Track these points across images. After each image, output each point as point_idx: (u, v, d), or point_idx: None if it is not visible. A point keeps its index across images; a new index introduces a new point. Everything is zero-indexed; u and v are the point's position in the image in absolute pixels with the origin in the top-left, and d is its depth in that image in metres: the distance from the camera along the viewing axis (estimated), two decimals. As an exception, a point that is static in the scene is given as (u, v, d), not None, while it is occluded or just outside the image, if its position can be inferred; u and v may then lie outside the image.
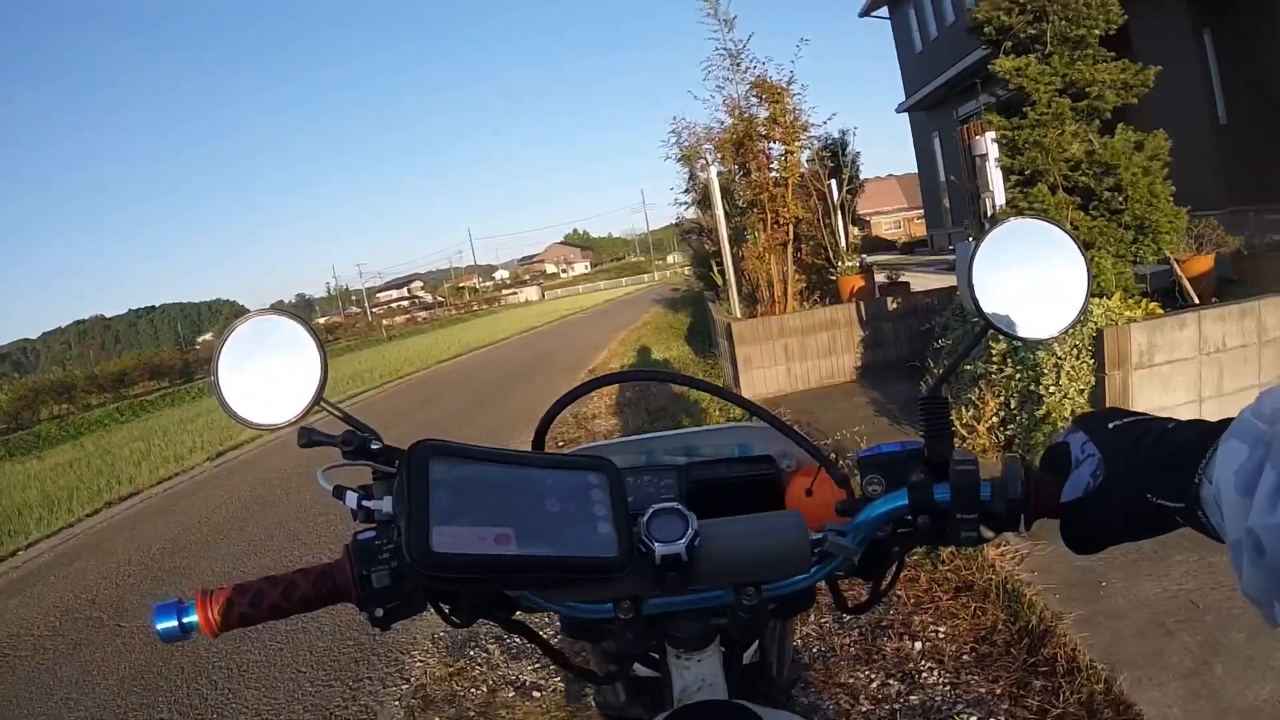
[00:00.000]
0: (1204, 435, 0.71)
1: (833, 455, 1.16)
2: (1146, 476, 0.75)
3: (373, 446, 0.93)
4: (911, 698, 3.25)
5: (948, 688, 3.27)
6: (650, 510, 0.88)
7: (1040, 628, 3.46)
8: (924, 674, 3.39)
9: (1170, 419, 0.78)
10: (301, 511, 8.10)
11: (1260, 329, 5.42)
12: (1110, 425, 0.82)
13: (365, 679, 4.25)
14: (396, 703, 3.97)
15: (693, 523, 0.87)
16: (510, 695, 3.81)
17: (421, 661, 4.30)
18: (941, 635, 3.63)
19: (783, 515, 0.98)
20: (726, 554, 0.90)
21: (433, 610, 0.91)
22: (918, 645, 3.58)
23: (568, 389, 1.19)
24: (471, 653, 4.22)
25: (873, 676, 3.43)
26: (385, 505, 0.85)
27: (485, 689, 3.90)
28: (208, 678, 4.58)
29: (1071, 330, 0.99)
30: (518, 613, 0.98)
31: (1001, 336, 0.94)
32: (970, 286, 0.95)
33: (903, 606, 3.88)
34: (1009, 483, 0.88)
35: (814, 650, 3.66)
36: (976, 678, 3.30)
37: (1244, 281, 6.75)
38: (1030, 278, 0.96)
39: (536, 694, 3.75)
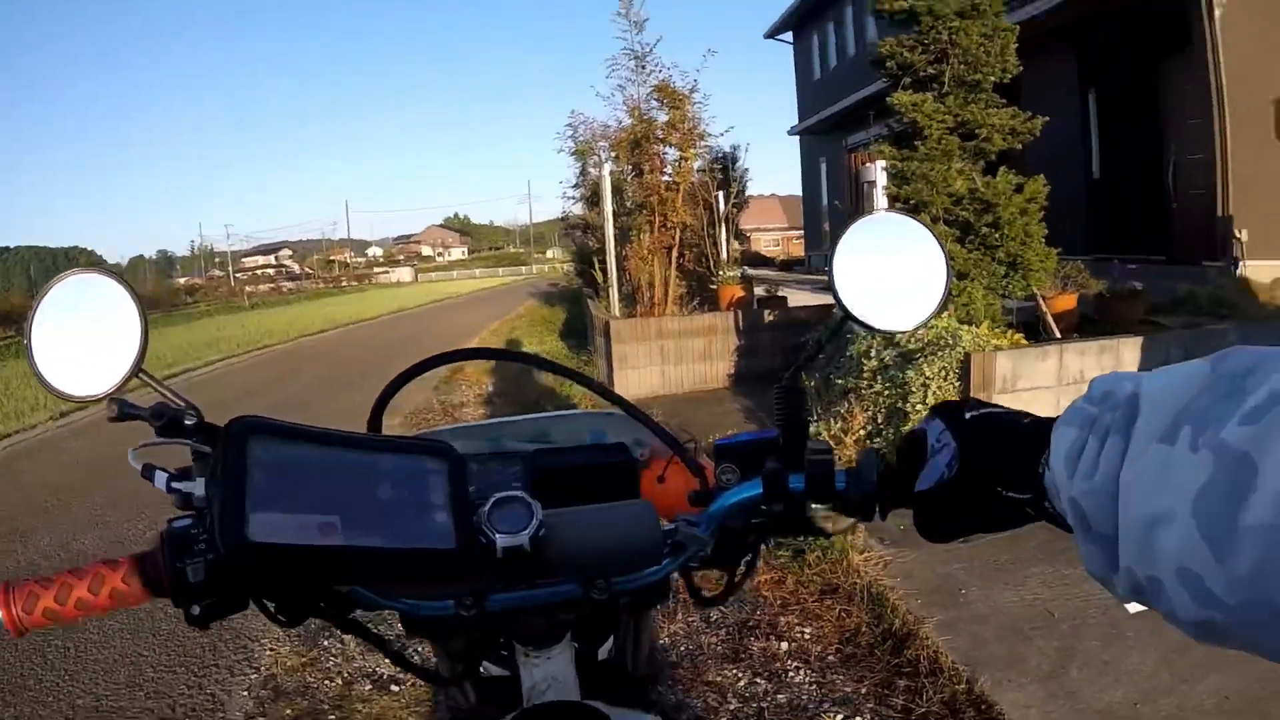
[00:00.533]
0: (1049, 425, 0.70)
1: (689, 444, 1.14)
2: (997, 469, 0.73)
3: (187, 422, 0.83)
4: (779, 696, 3.30)
5: (814, 687, 3.34)
6: (492, 499, 0.84)
7: (903, 631, 3.56)
8: (791, 673, 3.44)
9: (1026, 413, 0.78)
10: (142, 484, 7.67)
11: (1118, 364, 5.75)
12: (968, 415, 0.80)
13: (212, 666, 3.99)
14: (245, 693, 3.74)
15: (537, 512, 0.84)
16: (367, 689, 3.66)
17: (272, 650, 4.05)
18: (808, 636, 3.70)
19: (633, 505, 0.96)
20: (574, 545, 0.87)
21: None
22: (784, 645, 3.64)
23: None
24: (326, 643, 4.01)
25: (740, 675, 3.46)
26: (198, 488, 0.75)
27: (340, 681, 3.73)
28: (43, 656, 4.19)
29: (928, 324, 1.00)
30: (356, 611, 0.89)
31: (861, 331, 0.97)
32: (831, 276, 0.94)
33: (769, 607, 3.93)
34: (864, 472, 0.87)
35: (681, 649, 3.68)
36: (842, 677, 3.37)
37: (1104, 322, 7.11)
38: (891, 271, 0.96)
39: (395, 688, 3.63)
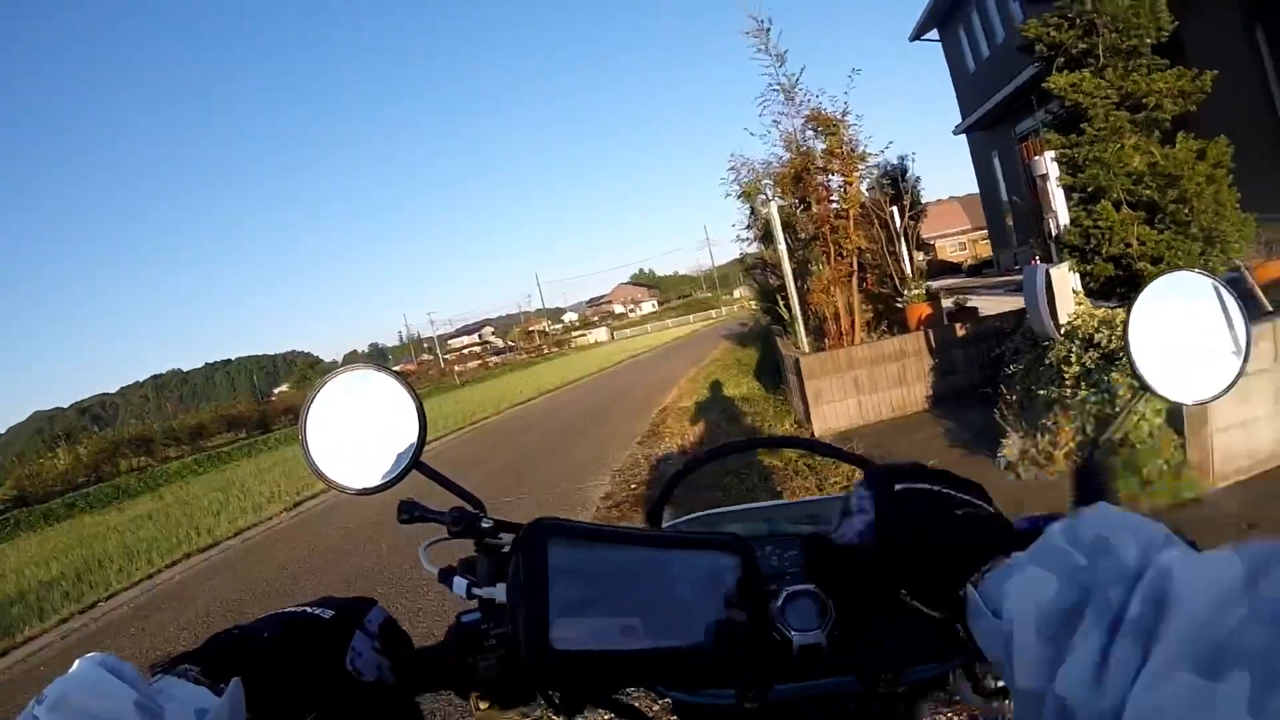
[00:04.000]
0: (987, 538, 0.66)
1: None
2: (908, 567, 0.70)
3: (483, 525, 0.87)
4: None
5: None
6: (784, 593, 0.82)
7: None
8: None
9: (966, 500, 0.75)
10: (379, 564, 8.14)
11: (1341, 328, 5.25)
12: (896, 486, 0.77)
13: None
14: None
15: (831, 607, 0.81)
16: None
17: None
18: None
19: None
20: (866, 641, 0.84)
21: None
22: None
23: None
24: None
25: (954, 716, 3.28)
26: (499, 593, 0.78)
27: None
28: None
29: (1229, 391, 0.92)
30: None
31: (1152, 396, 0.90)
32: (1126, 342, 0.90)
33: None
34: None
35: None
36: None
37: (1321, 283, 6.59)
38: (1187, 335, 0.90)
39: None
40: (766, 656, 0.77)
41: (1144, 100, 6.87)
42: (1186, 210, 6.50)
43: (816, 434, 8.97)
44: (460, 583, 0.81)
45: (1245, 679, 0.41)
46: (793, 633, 0.79)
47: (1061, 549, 0.55)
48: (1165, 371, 0.88)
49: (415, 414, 0.95)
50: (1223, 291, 0.91)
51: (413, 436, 0.94)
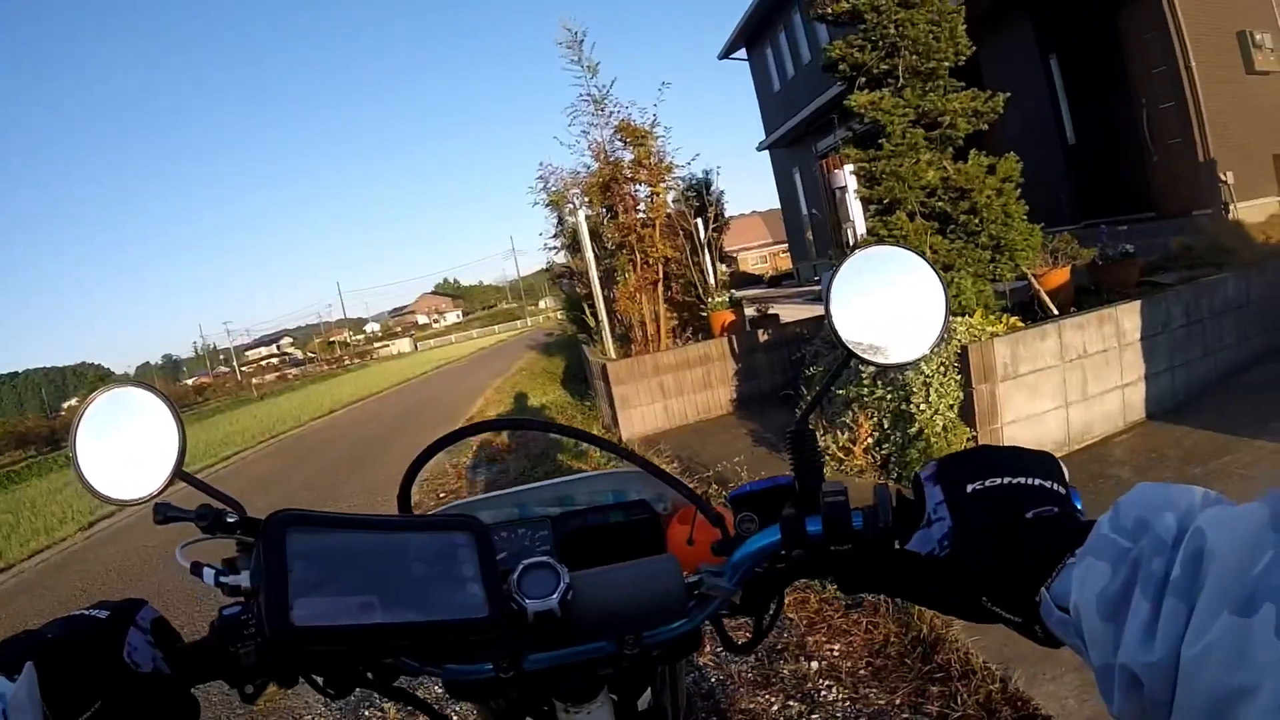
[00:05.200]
0: (1056, 541, 0.68)
1: (706, 494, 1.09)
2: (988, 577, 0.71)
3: (229, 520, 0.90)
4: (813, 717, 3.27)
5: (848, 703, 3.30)
6: (520, 566, 0.88)
7: (931, 636, 3.51)
8: (823, 692, 3.41)
9: (1037, 489, 0.75)
10: (179, 583, 7.72)
11: (1119, 333, 5.68)
12: (969, 489, 0.78)
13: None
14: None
15: (564, 576, 0.88)
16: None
17: (318, 724, 4.05)
18: (837, 652, 3.67)
19: (656, 561, 0.99)
20: (602, 605, 0.91)
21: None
22: (814, 665, 3.61)
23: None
24: (366, 714, 4.08)
25: (773, 700, 3.44)
26: (244, 580, 0.83)
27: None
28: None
29: (931, 353, 0.95)
30: (401, 678, 0.94)
31: (864, 364, 0.92)
32: (829, 317, 0.94)
33: (796, 629, 3.90)
34: (880, 510, 0.86)
35: (712, 679, 3.65)
36: (875, 690, 3.34)
37: (1101, 290, 6.99)
38: (889, 304, 0.95)
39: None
40: (503, 625, 0.83)
41: (939, 119, 7.19)
42: (977, 221, 6.83)
43: (624, 439, 8.99)
44: (209, 573, 0.85)
45: (1273, 610, 0.45)
46: (527, 601, 0.85)
47: (1108, 537, 0.60)
48: (868, 337, 0.94)
49: (175, 427, 1.00)
50: (921, 263, 0.96)
51: (175, 449, 1.00)
